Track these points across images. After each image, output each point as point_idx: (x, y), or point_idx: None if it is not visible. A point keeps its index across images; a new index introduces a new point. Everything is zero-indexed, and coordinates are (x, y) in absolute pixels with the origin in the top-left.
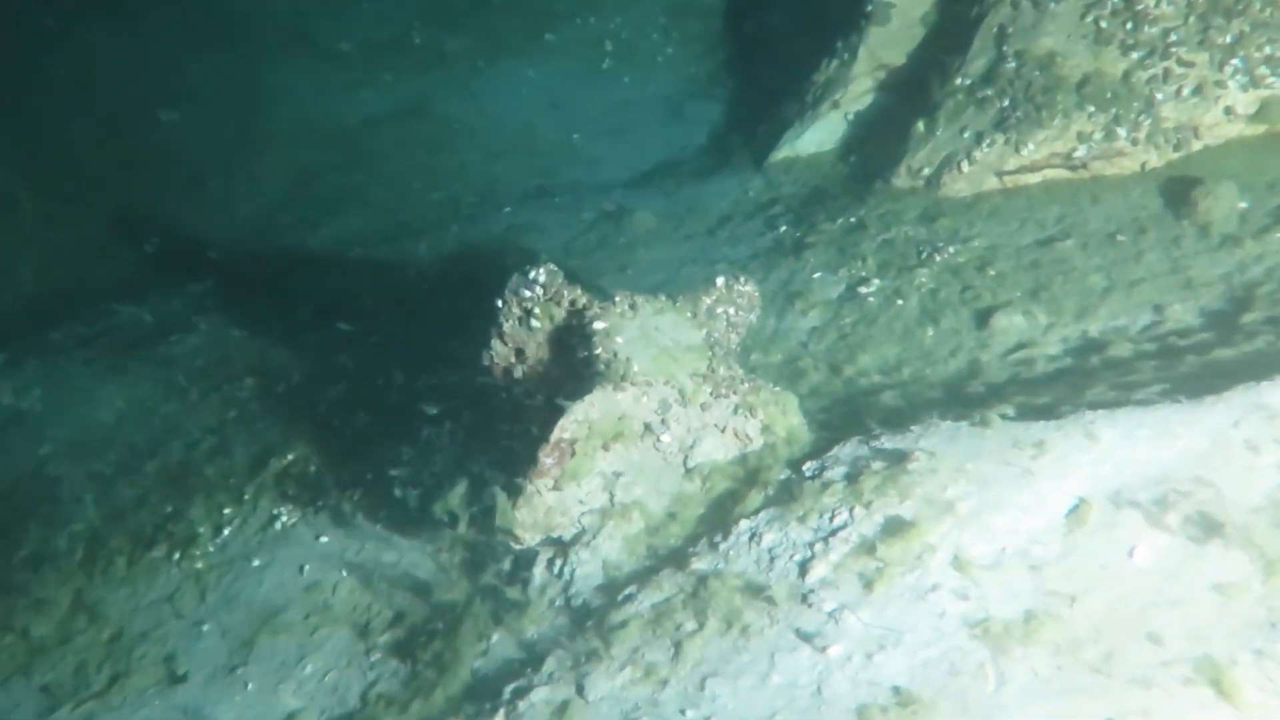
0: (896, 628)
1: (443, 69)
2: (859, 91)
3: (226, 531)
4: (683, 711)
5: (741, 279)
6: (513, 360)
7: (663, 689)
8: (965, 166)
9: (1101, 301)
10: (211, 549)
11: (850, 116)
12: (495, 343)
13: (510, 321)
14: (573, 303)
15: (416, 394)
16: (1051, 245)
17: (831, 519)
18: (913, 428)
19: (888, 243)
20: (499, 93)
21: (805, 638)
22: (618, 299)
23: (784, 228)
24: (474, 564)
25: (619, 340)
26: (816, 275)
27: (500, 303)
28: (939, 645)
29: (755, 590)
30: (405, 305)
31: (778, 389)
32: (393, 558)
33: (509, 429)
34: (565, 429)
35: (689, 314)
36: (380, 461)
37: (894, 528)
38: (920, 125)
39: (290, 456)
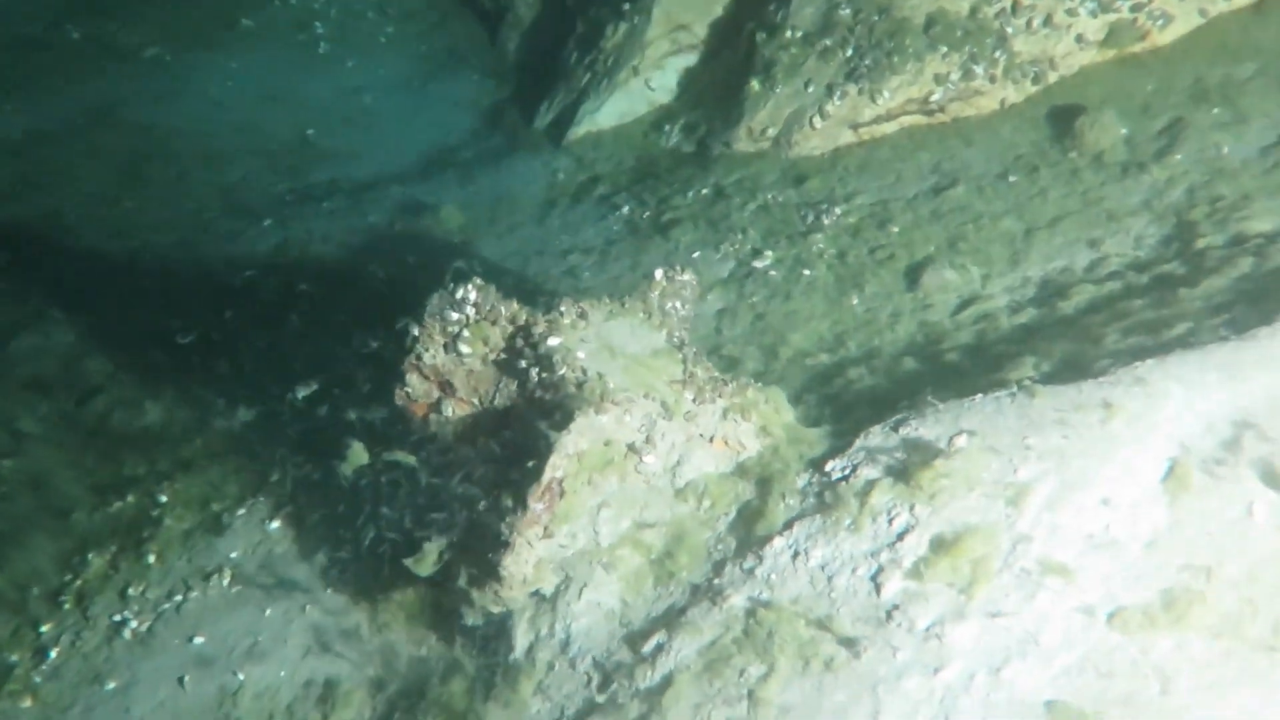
0: (1016, 635)
1: (121, 67)
2: (658, 55)
3: (53, 653)
4: None
5: (678, 268)
6: (437, 396)
7: None
8: (818, 122)
9: (1028, 245)
10: (39, 679)
11: (653, 84)
12: (411, 378)
13: (432, 350)
14: (513, 320)
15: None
16: (943, 194)
17: (890, 522)
18: (939, 406)
19: (762, 211)
20: (200, 90)
21: (907, 664)
22: (563, 309)
23: (627, 208)
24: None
25: (581, 356)
26: (696, 254)
27: (415, 331)
28: (1076, 647)
29: (824, 617)
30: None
31: (762, 385)
32: (307, 636)
33: (455, 484)
34: (557, 466)
35: (641, 314)
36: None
37: (970, 522)
38: (755, 84)
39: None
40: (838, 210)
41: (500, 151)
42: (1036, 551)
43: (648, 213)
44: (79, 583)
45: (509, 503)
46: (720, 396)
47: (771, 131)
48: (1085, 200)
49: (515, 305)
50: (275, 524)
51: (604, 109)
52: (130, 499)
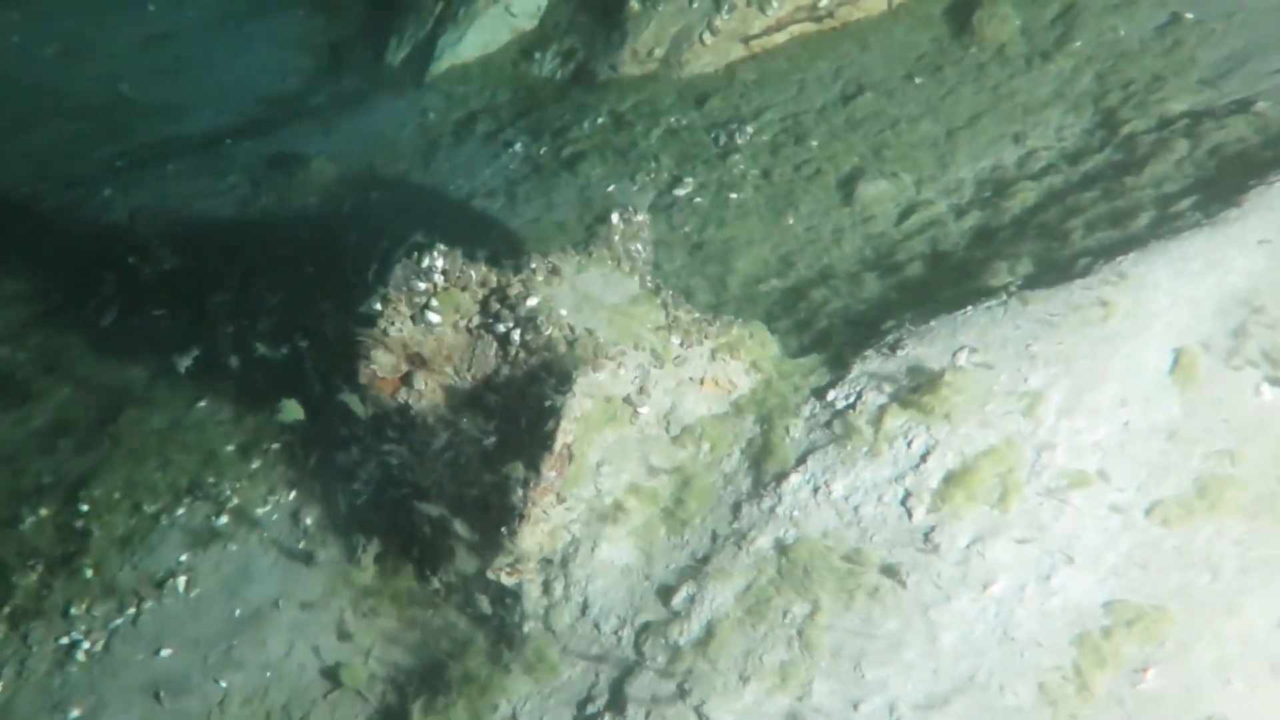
0: (1058, 542)
1: None
2: None
3: None
4: (855, 706)
5: (630, 209)
6: (406, 369)
7: (811, 690)
8: (707, 39)
9: (953, 146)
10: None
11: (514, 9)
12: (377, 353)
13: (399, 322)
14: (484, 283)
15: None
16: (853, 102)
17: (909, 445)
18: (931, 324)
19: (670, 135)
20: None
21: (954, 584)
22: (534, 265)
23: (520, 144)
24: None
25: (563, 312)
26: (610, 188)
27: (379, 304)
28: (1119, 546)
29: (859, 548)
30: None
31: (744, 320)
32: (289, 634)
33: (443, 463)
34: (567, 431)
35: (610, 262)
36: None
37: (990, 437)
38: (634, 4)
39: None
40: (749, 129)
41: (357, 94)
42: (1061, 458)
43: (544, 148)
44: (7, 608)
45: (519, 473)
46: (706, 338)
47: (659, 52)
48: (997, 95)
49: (485, 268)
50: (224, 519)
51: (465, 40)
52: (43, 512)
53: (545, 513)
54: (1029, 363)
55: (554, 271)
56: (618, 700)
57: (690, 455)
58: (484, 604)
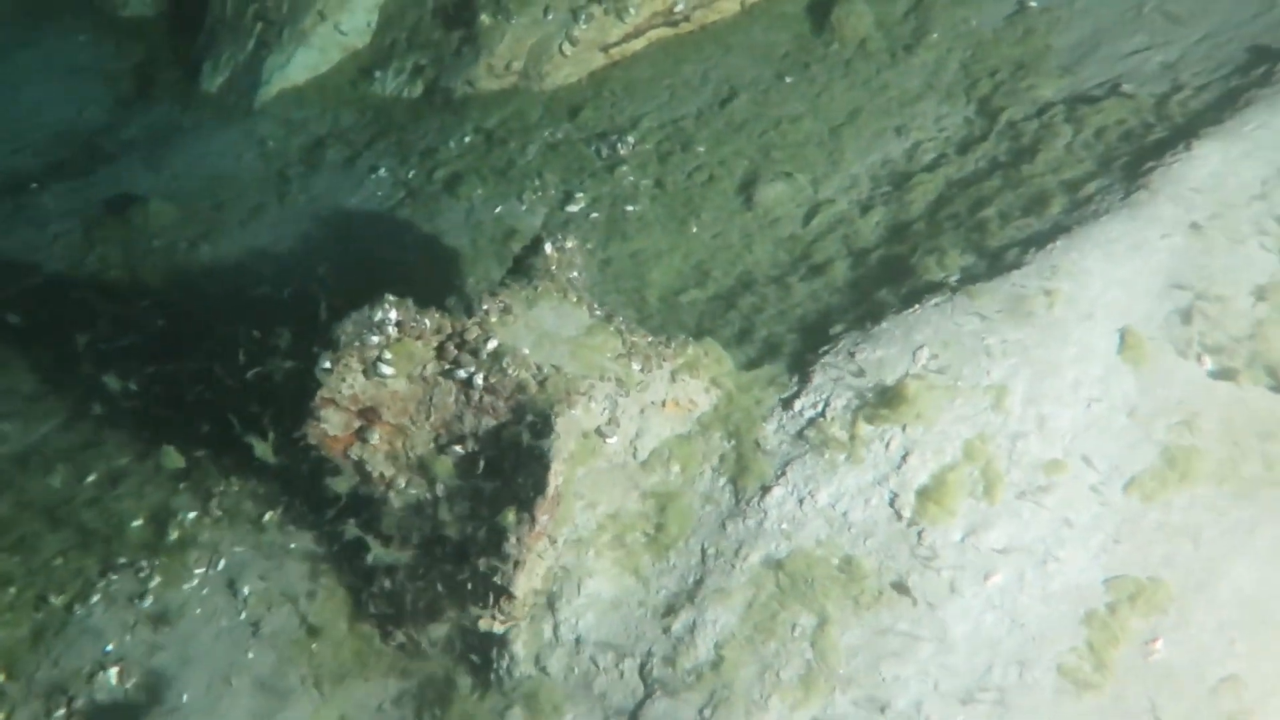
0: (1047, 526)
1: None
2: None
3: None
4: (882, 710)
5: (559, 236)
6: (359, 425)
7: (834, 700)
8: (567, 49)
9: (839, 143)
10: None
11: (344, 27)
12: (328, 412)
13: (350, 379)
14: (438, 330)
15: None
16: (729, 106)
17: (888, 447)
18: (883, 325)
19: (549, 151)
20: None
21: (956, 578)
22: (485, 306)
23: (385, 169)
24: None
25: (525, 351)
26: (498, 209)
27: (327, 363)
28: (1105, 525)
29: (855, 553)
30: None
31: (698, 339)
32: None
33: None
34: (558, 474)
35: (557, 293)
36: None
37: (965, 432)
38: (485, 18)
39: None
40: (631, 139)
41: (176, 125)
42: (1036, 445)
43: (413, 171)
44: None
45: (511, 519)
46: (665, 360)
47: (516, 65)
48: (870, 90)
49: (438, 314)
50: (148, 601)
51: (294, 61)
52: None
53: (540, 556)
54: (988, 357)
55: (506, 310)
56: None
57: (661, 479)
58: (462, 653)
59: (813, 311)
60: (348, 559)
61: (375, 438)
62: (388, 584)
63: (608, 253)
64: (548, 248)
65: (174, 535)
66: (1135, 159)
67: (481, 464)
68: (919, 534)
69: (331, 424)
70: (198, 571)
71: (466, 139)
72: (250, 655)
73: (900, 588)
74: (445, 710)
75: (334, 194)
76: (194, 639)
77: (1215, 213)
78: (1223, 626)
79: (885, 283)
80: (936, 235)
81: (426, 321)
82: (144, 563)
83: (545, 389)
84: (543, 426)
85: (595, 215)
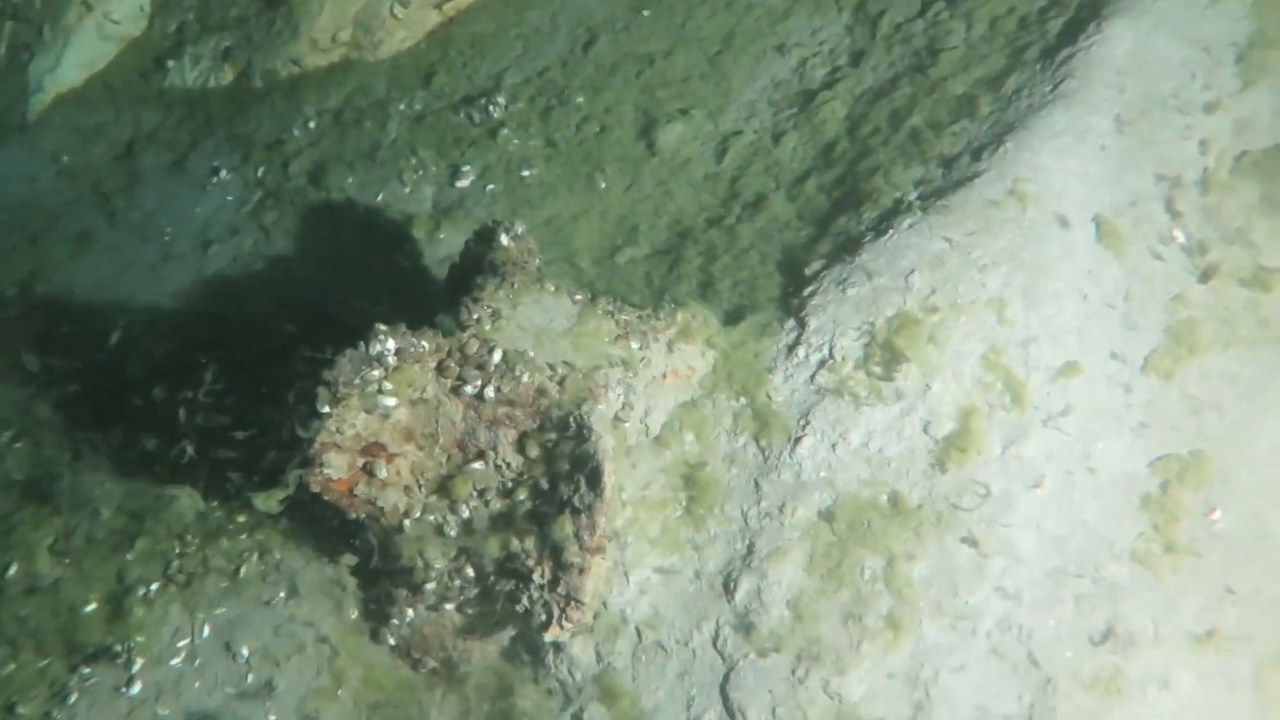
0: (1080, 423)
1: None
2: None
3: None
4: (973, 633)
5: (507, 223)
6: (363, 461)
7: (924, 632)
8: (399, 11)
9: (722, 71)
10: None
11: (114, 16)
12: (330, 456)
13: (350, 418)
14: (436, 350)
15: None
16: (593, 49)
17: (907, 377)
18: (863, 255)
19: (415, 124)
20: None
21: (1007, 491)
22: (476, 315)
23: (227, 170)
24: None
25: (531, 355)
26: (380, 196)
27: (325, 406)
28: (1135, 411)
29: (901, 487)
30: None
31: (680, 304)
32: None
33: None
34: (611, 473)
35: (535, 286)
36: None
37: (977, 347)
38: None
39: None
40: (501, 99)
41: None
42: (1047, 349)
43: (262, 168)
44: None
45: (568, 529)
46: (659, 333)
47: (343, 35)
48: (735, 12)
49: (431, 334)
50: (136, 688)
51: (65, 62)
52: None
53: (603, 558)
54: (979, 271)
55: (496, 315)
56: (729, 707)
57: (678, 451)
58: (511, 667)
59: (769, 252)
60: (355, 594)
61: (384, 472)
62: (411, 614)
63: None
64: (504, 239)
65: (138, 613)
66: (1046, 48)
67: (508, 480)
68: (960, 454)
69: (334, 468)
70: (182, 644)
71: (311, 124)
72: (272, 718)
73: (955, 511)
74: None
75: (173, 205)
76: (203, 714)
77: (1145, 90)
78: (1268, 486)
79: (838, 211)
80: (870, 154)
81: (424, 343)
82: (118, 647)
83: (566, 389)
84: (583, 429)
85: (491, 187)
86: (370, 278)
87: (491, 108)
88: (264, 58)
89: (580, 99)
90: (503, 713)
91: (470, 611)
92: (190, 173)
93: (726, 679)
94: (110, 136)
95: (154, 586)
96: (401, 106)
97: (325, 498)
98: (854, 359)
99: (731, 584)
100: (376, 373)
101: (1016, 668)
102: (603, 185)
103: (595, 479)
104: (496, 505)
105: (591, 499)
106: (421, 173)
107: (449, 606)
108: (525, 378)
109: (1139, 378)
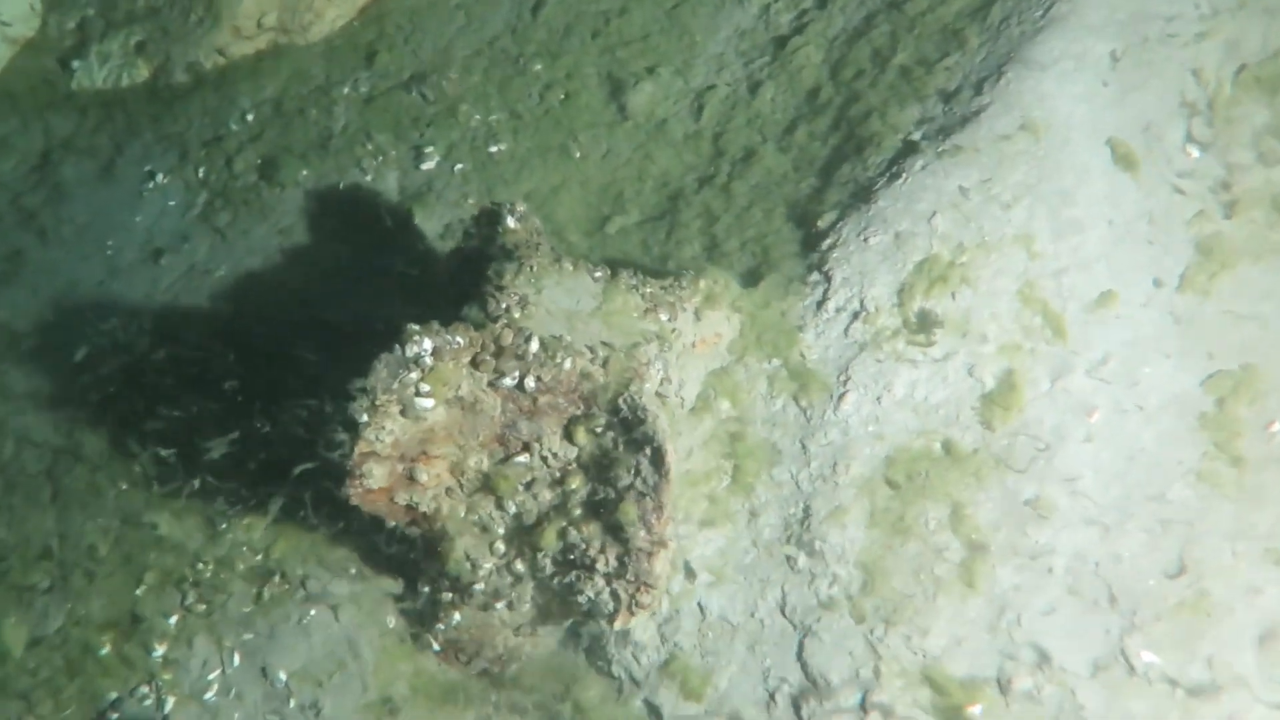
0: (1122, 348)
1: None
2: None
3: None
4: (1049, 571)
5: (508, 204)
6: (402, 469)
7: (998, 577)
8: None
9: (681, 24)
10: None
11: (4, 17)
12: (369, 466)
13: (389, 425)
14: (470, 344)
15: None
16: (541, 11)
17: (944, 322)
18: (879, 203)
19: (364, 107)
20: None
21: (1060, 424)
22: (504, 304)
23: (164, 173)
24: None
25: (568, 340)
26: (342, 186)
27: (364, 416)
28: (1178, 331)
29: (954, 434)
30: None
31: (700, 270)
32: None
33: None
34: (672, 453)
35: (553, 265)
36: None
37: (1013, 285)
38: None
39: None
40: (453, 73)
41: None
42: (1080, 277)
43: (203, 167)
44: None
45: (633, 514)
46: (685, 302)
47: (269, 20)
48: None
49: (463, 328)
50: None
51: None
52: None
53: (670, 541)
54: (1002, 207)
55: (524, 302)
56: (810, 674)
57: (715, 420)
58: (570, 659)
59: (772, 208)
60: (393, 602)
61: (424, 475)
62: (457, 616)
63: (500, 199)
64: (510, 221)
65: (160, 650)
66: None
67: (556, 471)
68: (1009, 393)
69: (374, 478)
70: (213, 676)
71: (249, 116)
72: None
73: (1012, 451)
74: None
75: (109, 216)
76: None
77: (1139, 8)
78: None
79: (839, 159)
80: (859, 98)
81: (459, 339)
82: (144, 688)
83: (609, 371)
84: (638, 410)
85: (460, 166)
86: (348, 273)
87: (445, 83)
88: (184, 50)
89: (538, 66)
90: (565, 706)
91: (522, 607)
92: (121, 180)
93: (802, 646)
94: (20, 148)
95: (173, 620)
96: (346, 90)
97: (364, 509)
98: (887, 309)
99: (793, 548)
100: (414, 375)
101: (1097, 602)
102: (577, 154)
103: (658, 460)
104: (547, 496)
105: (656, 480)
106: (381, 158)
107: (499, 605)
108: (567, 364)
109: (1176, 297)
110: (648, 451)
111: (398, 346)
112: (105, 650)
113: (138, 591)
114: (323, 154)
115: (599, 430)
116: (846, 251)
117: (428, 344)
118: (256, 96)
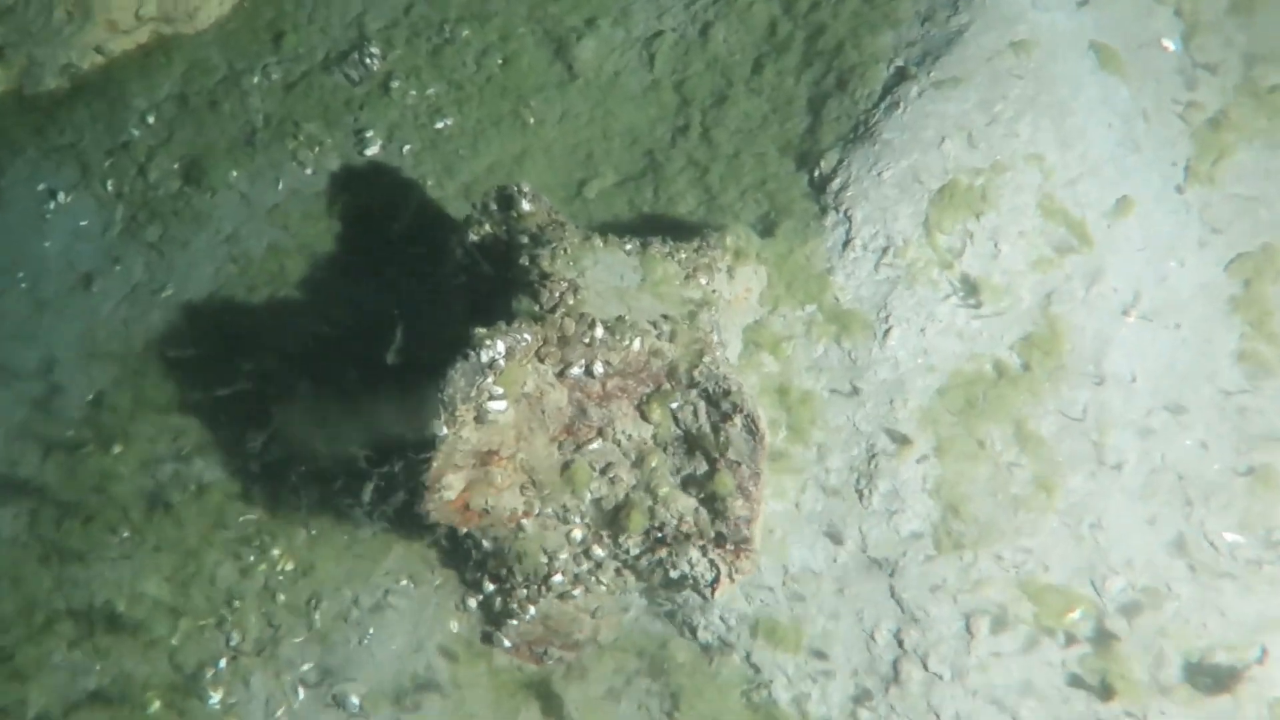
0: (1151, 250)
1: None
2: None
3: None
4: (1119, 468)
5: (517, 186)
6: (474, 476)
7: (1067, 482)
8: None
9: None
10: None
11: None
12: (446, 478)
13: (465, 432)
14: (535, 338)
15: None
16: None
17: (975, 245)
18: (884, 135)
19: (287, 96)
20: None
21: (1103, 328)
22: (556, 293)
23: (64, 191)
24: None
25: (631, 319)
26: (280, 184)
27: (443, 430)
28: (1191, 222)
29: (1001, 353)
30: None
31: (721, 224)
32: None
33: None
34: (763, 418)
35: (586, 243)
36: None
37: (1033, 199)
38: None
39: None
40: (375, 49)
41: None
42: (1092, 184)
43: (111, 180)
44: None
45: (729, 484)
46: (718, 262)
47: (148, 10)
48: None
49: (528, 323)
50: None
51: None
52: None
53: (766, 504)
54: (1005, 124)
55: (574, 288)
56: (906, 610)
57: (759, 375)
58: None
59: (763, 152)
60: (457, 606)
61: (499, 478)
62: (533, 610)
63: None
64: (525, 205)
65: (216, 696)
66: None
67: (631, 452)
68: (1048, 302)
69: (452, 489)
70: (280, 713)
71: (150, 119)
72: None
73: (1061, 363)
74: (678, 685)
75: (9, 245)
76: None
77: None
78: None
79: (824, 95)
80: (824, 29)
81: (527, 335)
82: None
83: (677, 344)
84: (719, 380)
85: (409, 147)
86: (331, 269)
87: (370, 60)
88: (52, 52)
89: (465, 31)
90: (659, 675)
91: (599, 590)
92: (12, 203)
93: (892, 589)
94: None
95: (222, 663)
96: (256, 79)
97: (441, 521)
98: (915, 241)
99: (863, 489)
100: (490, 380)
101: (1171, 493)
102: (532, 121)
103: (752, 427)
104: (627, 478)
105: (753, 446)
106: (318, 148)
107: (576, 592)
108: (635, 344)
109: (1185, 189)
110: (738, 421)
111: (471, 353)
112: (154, 707)
113: (173, 641)
114: (250, 151)
115: (676, 405)
116: (862, 188)
117: (500, 346)
118: (153, 96)
